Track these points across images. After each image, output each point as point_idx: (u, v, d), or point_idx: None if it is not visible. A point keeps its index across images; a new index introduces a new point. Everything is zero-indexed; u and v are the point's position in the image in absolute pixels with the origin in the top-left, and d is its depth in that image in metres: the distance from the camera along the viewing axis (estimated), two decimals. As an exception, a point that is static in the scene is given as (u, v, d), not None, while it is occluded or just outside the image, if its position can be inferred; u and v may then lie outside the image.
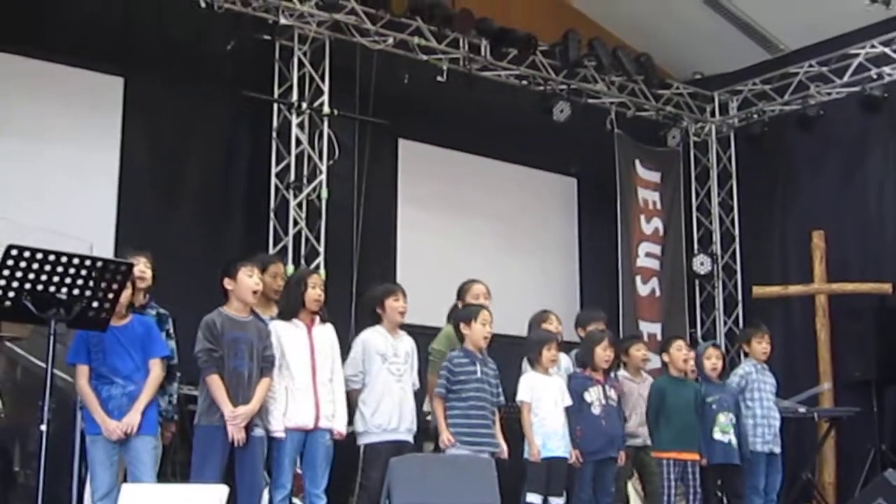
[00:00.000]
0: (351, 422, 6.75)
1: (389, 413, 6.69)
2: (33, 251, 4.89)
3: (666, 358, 8.08)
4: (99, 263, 5.10)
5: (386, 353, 6.82)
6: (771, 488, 8.32)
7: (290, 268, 9.29)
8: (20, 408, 7.41)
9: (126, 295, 5.71)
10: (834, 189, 11.40)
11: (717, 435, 7.90)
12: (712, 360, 8.06)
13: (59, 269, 4.98)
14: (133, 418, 5.62)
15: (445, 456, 6.23)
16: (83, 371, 5.69)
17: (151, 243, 8.83)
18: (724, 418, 7.95)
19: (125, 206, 8.94)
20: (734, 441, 7.97)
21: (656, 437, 7.88)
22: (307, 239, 9.52)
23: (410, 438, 6.81)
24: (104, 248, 8.53)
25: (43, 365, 5.34)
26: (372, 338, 6.86)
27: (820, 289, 11.19)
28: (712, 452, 7.86)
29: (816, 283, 11.20)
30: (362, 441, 6.71)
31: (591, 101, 11.32)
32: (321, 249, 9.50)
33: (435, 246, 10.79)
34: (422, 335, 8.24)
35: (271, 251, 9.42)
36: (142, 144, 9.14)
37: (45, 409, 5.05)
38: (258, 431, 5.93)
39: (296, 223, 9.50)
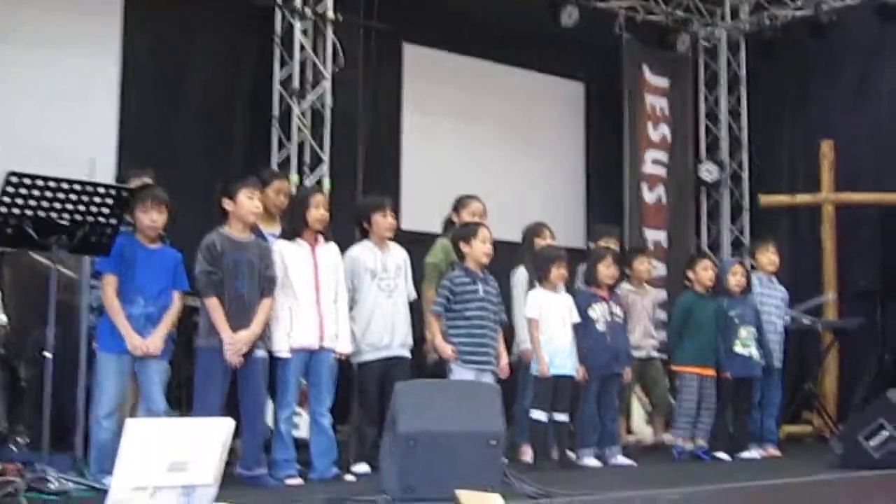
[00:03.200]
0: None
1: (381, 331, 6.66)
2: (33, 178, 4.84)
3: (691, 275, 8.07)
4: (100, 189, 5.04)
5: (375, 269, 6.73)
6: (769, 403, 8.37)
7: (295, 177, 9.26)
8: (25, 306, 7.43)
9: (162, 219, 5.71)
10: (845, 98, 11.26)
11: (738, 348, 7.98)
12: (738, 277, 8.11)
13: (61, 195, 4.94)
14: (156, 342, 5.62)
15: (451, 382, 6.24)
16: (111, 281, 5.63)
17: (153, 151, 8.84)
18: (746, 332, 8.01)
19: (126, 114, 8.80)
20: (755, 354, 8.02)
21: (679, 351, 7.95)
22: (311, 147, 9.41)
23: (407, 353, 6.78)
24: (106, 157, 8.47)
25: (46, 262, 5.32)
26: (360, 254, 6.76)
27: (827, 198, 11.12)
28: (733, 366, 7.92)
29: (824, 192, 11.14)
30: (355, 360, 6.66)
31: (599, 4, 11.09)
32: (325, 158, 9.41)
33: (441, 152, 10.68)
34: (426, 241, 8.24)
35: (274, 160, 9.35)
36: (143, 51, 8.95)
37: (49, 337, 5.06)
38: (259, 353, 5.91)
39: (300, 131, 9.38)
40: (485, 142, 11.01)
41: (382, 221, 6.82)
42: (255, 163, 9.38)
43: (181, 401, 7.54)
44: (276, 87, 9.41)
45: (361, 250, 6.79)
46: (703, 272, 8.00)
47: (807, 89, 11.61)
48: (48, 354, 5.01)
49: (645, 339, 8.31)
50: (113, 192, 5.10)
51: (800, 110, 11.67)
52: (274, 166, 9.29)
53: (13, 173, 4.81)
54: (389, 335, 6.69)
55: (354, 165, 9.78)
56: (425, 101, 10.64)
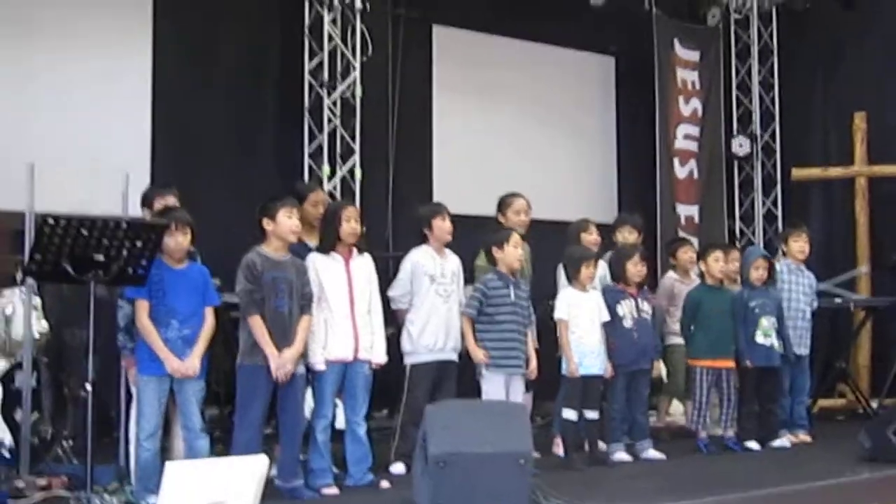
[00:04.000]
0: (399, 341, 6.96)
1: (435, 334, 6.88)
2: (69, 220, 4.95)
3: (703, 267, 8.07)
4: (134, 226, 5.16)
5: (434, 274, 6.95)
6: (799, 389, 8.41)
7: (326, 168, 9.35)
8: (65, 318, 7.61)
9: (186, 240, 5.82)
10: (877, 69, 11.13)
11: (760, 338, 7.94)
12: (759, 271, 8.05)
13: (96, 233, 5.05)
14: (194, 363, 5.76)
15: (480, 402, 6.37)
16: (143, 306, 5.74)
17: (186, 145, 8.97)
18: (767, 322, 7.97)
19: (159, 107, 8.88)
20: (776, 344, 8.01)
21: (692, 345, 7.97)
22: (342, 137, 9.48)
23: (455, 357, 6.99)
24: (140, 153, 8.61)
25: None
26: (421, 259, 6.97)
27: (860, 171, 11.07)
28: (754, 355, 7.92)
29: (857, 165, 11.08)
30: (409, 361, 6.91)
31: (629, -21, 11.02)
32: (356, 147, 9.47)
33: (472, 133, 10.72)
34: (459, 224, 8.33)
35: (307, 150, 9.44)
36: (174, 45, 9.02)
37: (90, 369, 5.21)
38: (300, 369, 6.06)
39: (330, 121, 9.45)
40: (516, 120, 11.04)
41: (443, 225, 7.03)
42: (287, 154, 9.54)
43: (220, 397, 7.76)
44: (307, 78, 9.47)
45: (422, 255, 7.00)
46: (714, 264, 7.98)
47: (839, 60, 11.50)
48: (88, 387, 5.15)
49: None
50: (147, 226, 5.21)
51: (832, 82, 11.58)
52: (305, 157, 9.42)
53: (48, 217, 4.93)
54: (444, 339, 6.91)
55: (386, 153, 9.89)
56: (455, 82, 10.66)
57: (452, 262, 7.11)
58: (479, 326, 6.91)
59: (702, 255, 8.16)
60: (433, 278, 6.93)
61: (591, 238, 7.90)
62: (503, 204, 7.73)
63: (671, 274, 8.62)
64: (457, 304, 7.02)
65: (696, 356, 7.91)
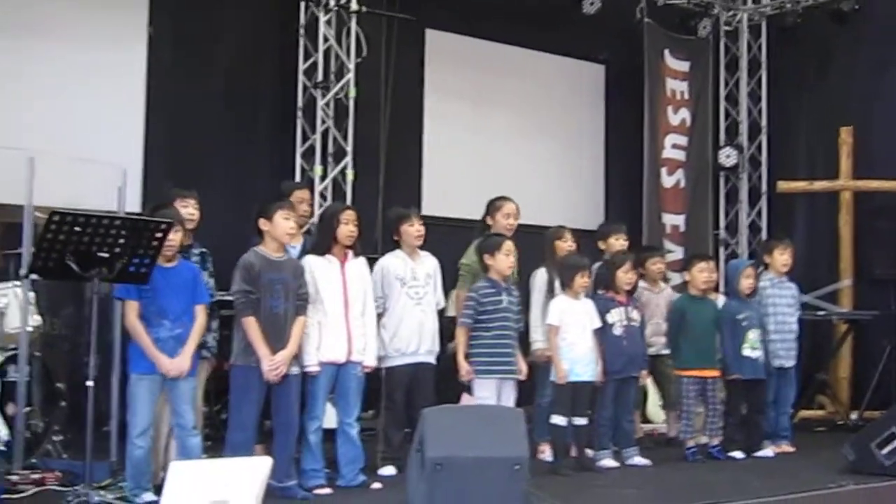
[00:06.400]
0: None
1: (408, 337, 6.91)
2: (75, 216, 4.97)
3: (687, 277, 8.13)
4: (140, 223, 5.19)
5: (405, 278, 6.96)
6: (784, 401, 8.49)
7: (318, 168, 9.39)
8: (52, 311, 7.62)
9: (178, 238, 5.80)
10: (865, 85, 11.27)
11: (747, 351, 7.99)
12: (750, 280, 8.11)
13: (101, 230, 5.07)
14: (185, 362, 5.74)
15: (477, 407, 6.41)
16: (133, 306, 5.72)
17: (179, 141, 9.01)
18: (754, 335, 8.03)
19: (153, 105, 8.96)
20: (762, 357, 8.09)
21: (677, 355, 8.01)
22: (334, 138, 9.51)
23: (433, 359, 7.04)
24: (133, 149, 8.64)
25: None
26: (391, 263, 7.00)
27: (845, 185, 11.17)
28: (743, 368, 7.97)
29: (842, 179, 11.18)
30: (383, 365, 6.91)
31: (622, -12, 11.09)
32: (349, 148, 9.50)
33: (462, 136, 10.81)
34: (450, 227, 8.41)
35: (299, 150, 9.47)
36: (168, 44, 9.07)
37: (91, 365, 5.24)
38: (294, 370, 6.09)
39: (323, 122, 9.48)
40: (506, 125, 11.13)
41: (410, 230, 7.02)
42: (279, 154, 9.58)
43: (209, 395, 7.78)
44: (300, 78, 9.50)
45: (392, 259, 7.02)
46: (699, 274, 8.04)
47: (827, 75, 11.63)
48: (90, 383, 5.17)
49: (655, 336, 8.38)
50: (152, 225, 5.23)
51: (819, 96, 11.69)
52: (297, 157, 9.44)
53: (56, 212, 4.95)
54: (417, 342, 6.93)
55: (377, 154, 9.92)
56: (447, 86, 10.73)
57: (427, 264, 7.10)
58: (472, 333, 6.95)
59: (686, 266, 8.21)
60: (404, 282, 6.94)
61: (566, 245, 7.90)
62: (492, 206, 7.78)
63: (640, 283, 8.65)
64: (431, 306, 7.05)
65: (683, 366, 7.95)
